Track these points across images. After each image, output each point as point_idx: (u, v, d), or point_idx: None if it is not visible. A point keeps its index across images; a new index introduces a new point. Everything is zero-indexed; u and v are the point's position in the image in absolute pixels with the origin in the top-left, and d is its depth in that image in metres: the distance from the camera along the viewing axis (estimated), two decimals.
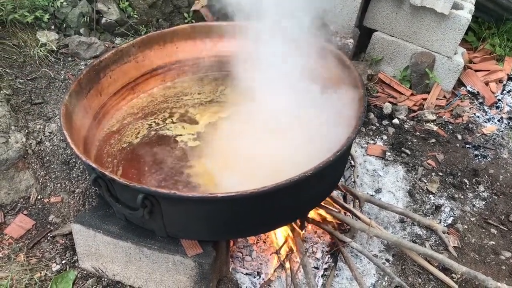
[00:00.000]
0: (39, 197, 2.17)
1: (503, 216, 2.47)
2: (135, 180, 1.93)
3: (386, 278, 2.11)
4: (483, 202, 2.53)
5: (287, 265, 2.05)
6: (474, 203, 2.52)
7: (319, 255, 2.14)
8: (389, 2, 3.02)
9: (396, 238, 2.16)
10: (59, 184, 2.23)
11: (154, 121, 2.28)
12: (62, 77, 2.63)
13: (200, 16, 3.06)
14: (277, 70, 2.27)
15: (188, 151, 2.11)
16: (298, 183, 1.58)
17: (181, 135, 2.20)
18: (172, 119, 2.30)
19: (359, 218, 2.23)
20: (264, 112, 2.19)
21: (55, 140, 2.34)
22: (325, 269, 2.08)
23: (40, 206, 2.17)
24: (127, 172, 2.02)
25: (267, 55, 2.33)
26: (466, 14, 2.90)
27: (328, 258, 2.11)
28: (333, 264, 2.10)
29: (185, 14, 3.08)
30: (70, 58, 2.77)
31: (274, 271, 2.05)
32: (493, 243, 2.32)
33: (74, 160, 2.33)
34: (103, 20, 2.94)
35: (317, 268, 2.07)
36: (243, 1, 2.23)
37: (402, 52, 3.14)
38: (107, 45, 2.91)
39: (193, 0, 3.08)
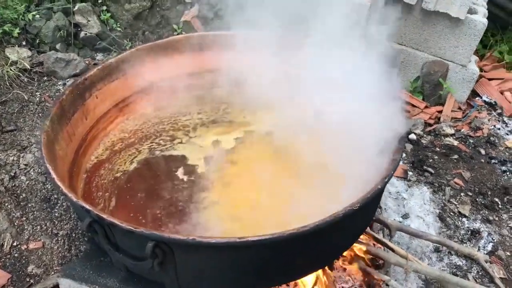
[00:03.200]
0: (15, 244, 1.80)
1: None
2: (133, 219, 1.61)
3: None
4: None
5: None
6: (511, 225, 2.26)
7: None
8: (397, 8, 2.78)
9: (439, 272, 1.87)
10: (39, 226, 1.86)
11: (150, 146, 1.95)
12: (38, 99, 2.28)
13: (190, 28, 2.76)
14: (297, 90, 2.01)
15: (194, 180, 1.78)
16: (344, 218, 1.28)
17: (183, 160, 1.88)
18: (171, 143, 1.97)
19: (393, 250, 1.94)
20: (277, 137, 1.92)
21: (32, 173, 1.98)
22: None
23: (16, 255, 1.79)
24: (123, 208, 1.68)
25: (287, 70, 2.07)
26: (481, 19, 2.68)
27: None
28: None
29: (174, 26, 2.77)
30: (46, 78, 2.42)
31: None
32: None
33: (56, 196, 1.97)
34: (82, 34, 2.61)
35: None
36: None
37: (412, 62, 2.90)
38: (87, 62, 2.57)
39: (182, 11, 2.78)
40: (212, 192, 1.74)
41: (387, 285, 1.81)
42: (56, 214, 1.92)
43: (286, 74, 2.13)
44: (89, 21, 2.57)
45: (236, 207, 1.67)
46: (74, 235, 1.89)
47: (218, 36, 2.26)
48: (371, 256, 1.94)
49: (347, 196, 1.40)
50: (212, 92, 2.26)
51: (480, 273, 2.01)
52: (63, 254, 1.82)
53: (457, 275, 1.99)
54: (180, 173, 1.84)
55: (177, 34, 2.75)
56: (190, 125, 2.08)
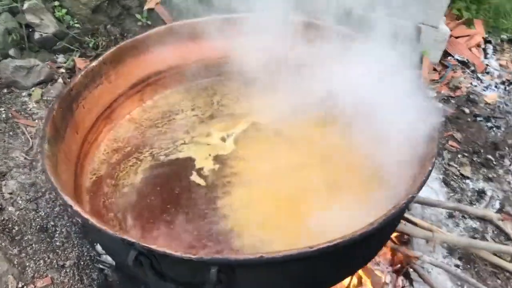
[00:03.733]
0: (20, 286, 1.58)
1: None
2: (162, 240, 1.46)
3: (466, 287, 1.82)
4: None
5: None
6: (508, 179, 2.32)
7: (388, 279, 1.79)
8: None
9: (467, 240, 1.88)
10: (42, 261, 1.65)
11: (151, 152, 1.77)
12: (4, 116, 2.01)
13: (155, 16, 2.54)
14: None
15: (211, 184, 1.63)
16: (395, 216, 1.21)
17: (192, 162, 1.71)
18: (173, 145, 1.80)
19: (416, 224, 1.92)
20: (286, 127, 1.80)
21: (20, 201, 1.76)
22: None
23: None
24: (143, 228, 1.51)
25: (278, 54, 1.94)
26: None
27: (403, 280, 1.77)
28: (408, 285, 1.77)
29: (137, 15, 2.53)
30: (6, 90, 2.14)
31: None
32: None
33: (53, 223, 1.76)
34: (37, 36, 2.32)
35: None
36: None
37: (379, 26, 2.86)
38: (49, 66, 2.30)
39: None
40: (234, 195, 1.60)
41: (418, 259, 1.80)
42: (58, 243, 1.71)
43: (284, 59, 2.01)
44: (42, 20, 2.28)
45: (264, 211, 1.56)
46: (82, 263, 1.70)
47: (197, 23, 2.08)
48: (397, 234, 1.92)
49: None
50: (201, 84, 2.09)
51: (495, 233, 2.04)
52: (76, 286, 1.63)
53: (475, 238, 2.01)
54: (193, 177, 1.68)
55: (142, 25, 2.52)
56: (187, 124, 1.91)
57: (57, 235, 1.74)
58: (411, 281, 1.77)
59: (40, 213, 1.76)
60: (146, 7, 2.50)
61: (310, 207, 1.51)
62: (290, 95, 1.94)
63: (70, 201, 1.22)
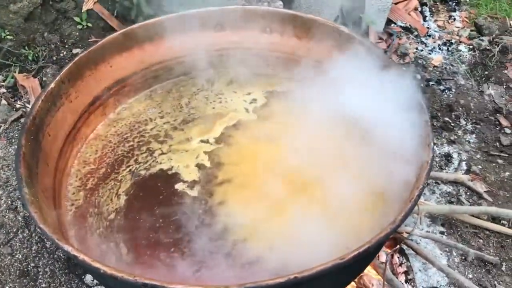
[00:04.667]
0: None
1: (497, 143, 2.43)
2: (166, 269, 1.38)
3: (454, 253, 1.91)
4: (474, 136, 2.45)
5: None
6: (467, 139, 2.43)
7: (383, 258, 1.83)
8: None
9: (448, 207, 1.96)
10: None
11: (130, 169, 1.66)
12: None
13: (95, 16, 2.34)
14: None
15: (202, 194, 1.56)
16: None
17: (176, 173, 1.63)
18: (151, 157, 1.70)
19: None
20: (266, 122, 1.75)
21: None
22: (405, 272, 1.78)
23: None
24: (142, 257, 1.42)
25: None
26: None
27: (399, 257, 1.82)
28: (405, 261, 1.82)
29: (76, 18, 2.32)
30: None
31: None
32: (508, 173, 2.26)
33: (33, 264, 1.61)
34: None
35: (394, 274, 1.77)
36: None
37: (329, 2, 2.84)
38: None
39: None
40: (229, 203, 1.55)
41: (408, 234, 1.85)
42: (44, 285, 1.58)
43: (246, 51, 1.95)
44: None
45: (264, 218, 1.51)
46: None
47: (153, 24, 1.93)
48: None
49: None
50: (164, 88, 1.97)
51: (468, 194, 2.15)
52: None
53: (452, 202, 2.10)
54: (180, 188, 1.59)
55: (82, 28, 2.32)
56: (160, 133, 1.80)
57: (40, 276, 1.60)
58: (407, 257, 1.82)
59: (17, 256, 1.61)
60: (84, 9, 2.29)
61: (303, 208, 1.49)
62: (260, 87, 1.90)
63: (75, 252, 1.11)
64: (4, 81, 2.14)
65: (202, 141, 1.75)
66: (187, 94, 1.95)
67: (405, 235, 1.84)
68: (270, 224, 1.44)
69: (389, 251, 1.84)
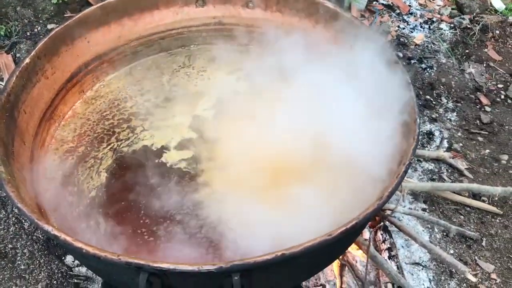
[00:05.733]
0: None
1: (477, 121, 2.45)
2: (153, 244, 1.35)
3: (436, 230, 1.92)
4: (455, 114, 2.47)
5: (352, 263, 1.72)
6: (449, 117, 2.44)
7: (366, 235, 1.84)
8: None
9: (430, 184, 1.98)
10: None
11: (111, 147, 1.62)
12: None
13: None
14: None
15: (184, 169, 1.54)
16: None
17: (159, 148, 1.61)
18: (133, 134, 1.66)
19: None
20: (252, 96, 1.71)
21: None
22: (388, 249, 1.79)
23: None
24: (122, 234, 1.40)
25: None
26: None
27: (382, 234, 1.82)
28: (388, 238, 1.83)
29: None
30: None
31: (341, 277, 1.69)
32: (488, 151, 2.29)
33: (11, 245, 1.57)
34: None
35: (377, 251, 1.78)
36: None
37: None
38: None
39: None
40: (212, 180, 1.52)
41: (391, 211, 1.86)
42: (22, 267, 1.54)
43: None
44: None
45: (248, 194, 1.49)
46: (55, 282, 1.55)
47: None
48: None
49: None
50: (143, 64, 1.91)
51: (449, 171, 2.16)
52: None
53: (434, 179, 2.11)
54: (163, 164, 1.56)
55: (57, 1, 2.22)
56: (141, 111, 1.75)
57: (19, 258, 1.55)
58: (390, 233, 1.83)
59: None
60: None
61: (292, 184, 1.48)
62: (243, 64, 1.86)
63: (55, 232, 1.07)
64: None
65: (185, 117, 1.72)
66: (168, 71, 1.89)
67: (388, 212, 1.85)
68: (255, 200, 1.43)
69: (373, 228, 1.85)
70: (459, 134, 2.36)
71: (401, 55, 2.72)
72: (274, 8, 1.87)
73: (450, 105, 2.51)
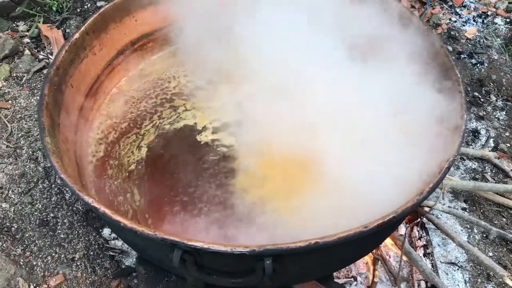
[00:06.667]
0: (32, 287, 1.47)
1: None
2: (185, 220, 1.37)
3: (475, 231, 1.87)
4: (504, 113, 2.37)
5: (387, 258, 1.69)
6: (497, 116, 2.35)
7: (402, 231, 1.81)
8: None
9: (473, 183, 1.90)
10: (49, 257, 1.54)
11: (154, 124, 1.67)
12: None
13: None
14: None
15: (223, 151, 1.57)
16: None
17: (201, 128, 1.64)
18: (175, 113, 1.71)
19: None
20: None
21: (13, 195, 1.62)
22: (424, 246, 1.75)
23: None
24: (158, 209, 1.43)
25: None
26: None
27: (419, 231, 1.79)
28: (424, 235, 1.79)
29: None
30: None
31: (373, 271, 1.67)
32: None
33: (52, 214, 1.62)
34: None
35: (413, 247, 1.74)
36: None
37: None
38: (10, 36, 2.04)
39: None
40: (251, 165, 1.53)
41: (430, 208, 1.81)
42: (62, 236, 1.59)
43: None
44: None
45: (282, 180, 1.48)
46: (92, 253, 1.60)
47: None
48: None
49: None
50: (189, 47, 1.93)
51: (494, 171, 2.09)
52: (91, 279, 1.54)
53: (476, 179, 2.04)
54: (205, 142, 1.60)
55: None
56: (184, 92, 1.78)
57: (59, 227, 1.61)
58: (426, 231, 1.79)
59: (37, 205, 1.62)
60: None
61: (331, 169, 1.46)
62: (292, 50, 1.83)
63: (95, 204, 1.11)
64: (28, 31, 2.12)
65: (227, 100, 1.72)
66: (215, 54, 1.90)
67: (427, 209, 1.81)
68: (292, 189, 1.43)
69: (409, 224, 1.81)
70: (507, 134, 2.26)
71: (450, 48, 2.63)
72: None
73: (500, 103, 2.41)
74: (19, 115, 1.92)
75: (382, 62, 1.56)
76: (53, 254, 1.55)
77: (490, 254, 1.81)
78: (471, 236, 1.85)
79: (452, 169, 2.08)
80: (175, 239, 1.04)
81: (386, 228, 1.20)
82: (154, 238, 1.06)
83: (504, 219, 1.92)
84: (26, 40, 2.11)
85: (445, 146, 1.31)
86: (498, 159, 2.11)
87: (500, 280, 1.65)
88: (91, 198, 1.12)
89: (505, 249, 1.82)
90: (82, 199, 1.13)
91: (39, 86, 1.99)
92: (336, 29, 1.68)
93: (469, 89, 2.46)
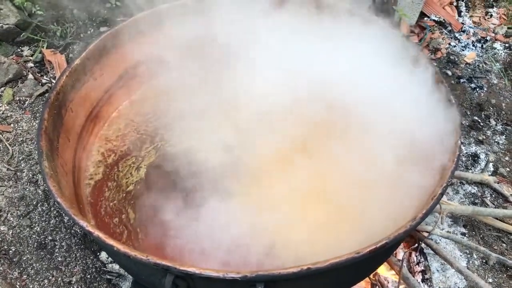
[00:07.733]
0: None
1: None
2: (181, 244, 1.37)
3: (475, 256, 1.85)
4: (503, 137, 2.37)
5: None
6: (496, 140, 2.35)
7: (400, 256, 1.79)
8: None
9: (472, 208, 1.89)
10: (46, 280, 1.54)
11: (155, 146, 1.70)
12: None
13: None
14: None
15: (223, 175, 1.55)
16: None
17: (202, 152, 1.61)
18: (177, 137, 1.70)
19: None
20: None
21: (11, 219, 1.62)
22: (422, 271, 1.74)
23: None
24: (154, 236, 1.43)
25: None
26: None
27: (417, 256, 1.77)
28: (423, 260, 1.78)
29: None
30: None
31: None
32: None
33: (51, 237, 1.63)
34: None
35: (411, 273, 1.73)
36: None
37: None
38: (14, 60, 2.08)
39: None
40: (251, 190, 1.53)
41: (428, 233, 1.80)
42: (60, 259, 1.60)
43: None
44: (1, 9, 2.05)
45: (287, 206, 1.49)
46: (89, 276, 1.60)
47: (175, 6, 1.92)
48: None
49: None
50: (189, 70, 1.95)
51: (493, 196, 2.08)
52: None
53: (476, 204, 2.04)
54: (205, 168, 1.58)
55: (110, 6, 2.31)
56: (185, 116, 1.78)
57: (57, 250, 1.61)
58: (425, 256, 1.78)
59: (35, 228, 1.63)
60: None
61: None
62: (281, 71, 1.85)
63: (89, 228, 1.11)
64: (32, 55, 2.17)
65: (230, 124, 1.73)
66: (215, 78, 1.91)
67: (425, 234, 1.80)
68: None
69: (407, 249, 1.80)
70: (507, 158, 2.26)
71: (450, 73, 2.65)
72: None
73: (499, 127, 2.42)
74: (21, 138, 1.94)
75: None
76: (50, 278, 1.55)
77: (490, 280, 1.79)
78: (471, 262, 1.84)
79: (451, 193, 2.08)
80: (167, 264, 1.05)
81: (380, 254, 1.20)
82: (147, 262, 1.06)
83: (504, 245, 1.90)
84: (30, 64, 2.15)
85: (439, 172, 1.32)
86: (498, 183, 2.11)
87: None
88: (85, 222, 1.13)
89: (505, 275, 1.80)
90: (77, 223, 1.14)
91: (41, 109, 2.02)
92: None
93: (468, 113, 2.47)
